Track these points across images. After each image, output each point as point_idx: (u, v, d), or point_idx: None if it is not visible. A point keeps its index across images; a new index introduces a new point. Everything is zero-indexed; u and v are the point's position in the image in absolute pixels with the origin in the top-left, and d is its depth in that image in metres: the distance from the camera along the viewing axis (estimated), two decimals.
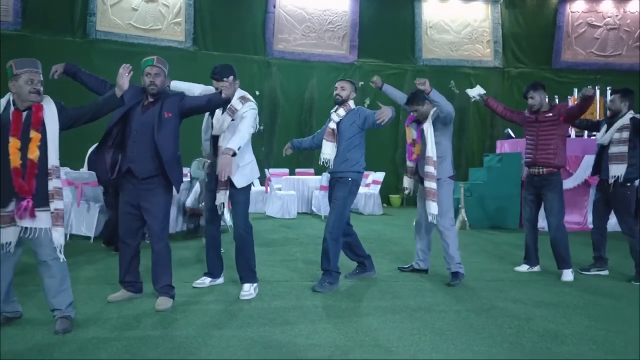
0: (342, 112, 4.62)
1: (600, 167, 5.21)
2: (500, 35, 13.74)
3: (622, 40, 13.81)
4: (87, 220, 6.70)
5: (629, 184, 5.00)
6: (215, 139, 4.21)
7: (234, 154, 3.85)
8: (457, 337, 3.29)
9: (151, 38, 12.02)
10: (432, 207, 4.69)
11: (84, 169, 7.13)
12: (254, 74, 12.75)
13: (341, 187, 4.52)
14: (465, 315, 3.75)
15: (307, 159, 12.54)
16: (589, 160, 8.56)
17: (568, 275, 4.99)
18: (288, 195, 9.91)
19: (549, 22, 13.87)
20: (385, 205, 12.13)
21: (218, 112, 4.17)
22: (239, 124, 4.02)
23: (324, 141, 4.63)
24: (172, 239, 7.04)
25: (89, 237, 6.63)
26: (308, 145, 5.04)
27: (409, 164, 5.12)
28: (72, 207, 6.78)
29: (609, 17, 13.78)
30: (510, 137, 10.22)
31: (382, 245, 6.86)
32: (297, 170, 11.75)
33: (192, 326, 3.40)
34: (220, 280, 4.52)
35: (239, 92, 4.22)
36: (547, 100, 5.12)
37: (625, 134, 4.97)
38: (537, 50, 13.84)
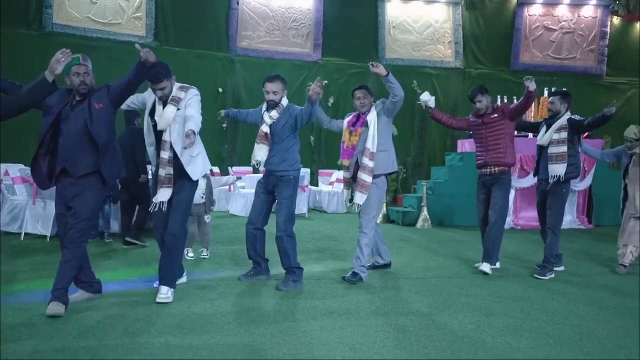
0: (275, 114, 4.51)
1: (538, 169, 5.38)
2: (461, 37, 14.01)
3: (576, 43, 14.30)
4: (42, 219, 6.49)
5: (565, 183, 5.17)
6: (159, 138, 3.99)
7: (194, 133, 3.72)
8: (420, 333, 3.33)
9: (110, 32, 11.73)
10: (359, 198, 4.67)
11: None
12: (217, 71, 12.62)
13: (285, 186, 4.48)
14: (428, 312, 3.81)
15: None
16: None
17: (486, 267, 5.12)
18: (252, 193, 9.82)
19: (508, 24, 14.24)
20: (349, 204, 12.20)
21: (159, 108, 3.93)
22: (187, 110, 3.88)
23: (257, 144, 4.55)
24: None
25: (44, 236, 6.44)
26: (242, 119, 4.94)
27: (345, 174, 4.97)
28: (27, 205, 6.56)
29: (564, 21, 14.24)
30: (470, 136, 10.41)
31: (345, 243, 6.90)
32: (261, 168, 11.67)
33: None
34: (184, 279, 4.45)
35: (177, 84, 4.01)
36: (490, 102, 5.26)
37: (564, 134, 5.15)
38: (496, 52, 14.18)
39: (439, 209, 9.12)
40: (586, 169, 9.07)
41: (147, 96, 4.11)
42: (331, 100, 12.92)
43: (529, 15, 14.22)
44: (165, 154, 3.91)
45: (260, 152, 4.54)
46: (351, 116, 5.00)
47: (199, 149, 4.05)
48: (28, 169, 6.76)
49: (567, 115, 5.21)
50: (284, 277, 4.48)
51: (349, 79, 13.51)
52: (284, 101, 4.58)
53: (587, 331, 3.46)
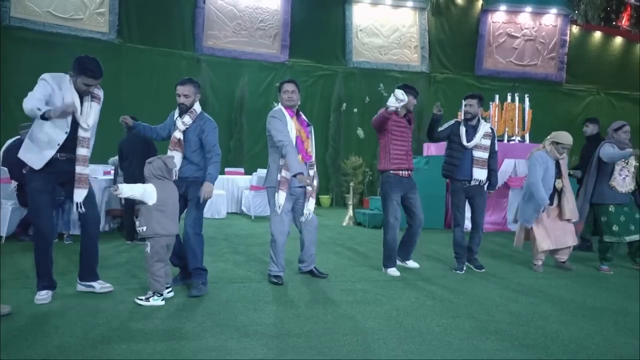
0: (187, 119, 4.30)
1: (460, 169, 5.45)
2: (427, 42, 14.18)
3: (537, 51, 14.67)
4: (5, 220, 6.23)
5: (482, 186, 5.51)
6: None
7: None
8: (388, 337, 3.32)
9: (72, 28, 11.39)
10: (312, 205, 4.81)
11: None
12: (182, 70, 12.39)
13: (196, 187, 4.26)
14: (395, 315, 3.80)
15: (236, 158, 12.38)
16: (507, 164, 9.00)
17: (393, 272, 5.25)
18: (217, 194, 9.70)
19: (472, 30, 14.50)
20: (315, 205, 12.18)
21: (78, 103, 3.85)
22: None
23: (169, 151, 4.31)
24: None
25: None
26: (150, 135, 4.66)
27: (286, 174, 4.66)
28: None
29: (526, 28, 14.60)
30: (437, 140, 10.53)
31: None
32: (226, 169, 11.54)
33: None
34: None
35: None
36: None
37: (488, 142, 5.46)
38: (461, 57, 14.42)
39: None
40: None
41: (57, 87, 3.83)
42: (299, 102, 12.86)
43: (493, 22, 14.51)
44: (87, 152, 3.96)
45: (175, 160, 4.26)
46: (287, 110, 4.73)
47: None
48: None
49: (485, 122, 5.56)
50: (193, 282, 4.26)
51: (317, 80, 13.51)
52: (197, 107, 4.38)
53: (550, 333, 3.51)
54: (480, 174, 5.43)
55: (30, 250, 5.59)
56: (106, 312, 3.64)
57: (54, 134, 3.80)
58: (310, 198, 4.78)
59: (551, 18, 14.72)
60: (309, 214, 4.80)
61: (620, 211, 5.64)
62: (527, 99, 9.88)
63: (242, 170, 11.71)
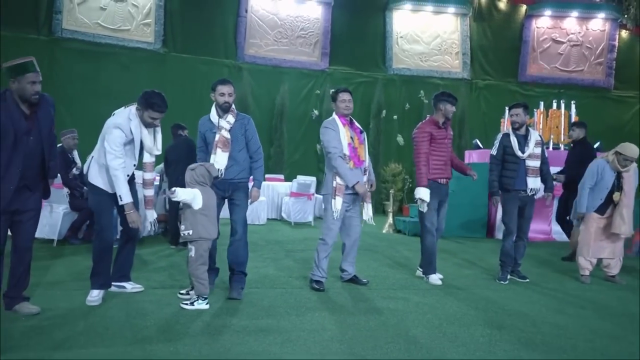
0: (231, 118, 4.39)
1: (516, 180, 5.32)
2: (468, 48, 14.00)
3: (584, 56, 14.28)
4: (50, 223, 6.47)
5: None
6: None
7: None
8: (431, 346, 3.29)
9: (119, 38, 11.77)
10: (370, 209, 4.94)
11: None
12: (227, 78, 12.62)
13: (243, 193, 4.42)
14: (438, 324, 3.76)
15: (277, 164, 12.49)
16: (553, 171, 8.77)
17: (435, 280, 5.18)
18: (258, 201, 9.79)
19: (516, 36, 14.23)
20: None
21: (147, 134, 4.15)
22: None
23: (219, 151, 4.31)
24: (139, 243, 6.91)
25: (51, 240, 6.42)
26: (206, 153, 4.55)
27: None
28: None
29: (572, 33, 14.23)
30: (478, 147, 10.40)
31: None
32: (267, 175, 11.65)
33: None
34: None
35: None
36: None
37: (539, 150, 5.38)
38: (504, 63, 14.16)
39: (447, 220, 9.04)
40: None
41: (129, 124, 4.02)
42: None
43: (537, 27, 14.21)
44: (152, 176, 4.46)
45: (223, 160, 4.32)
46: (340, 118, 4.82)
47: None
48: None
49: (534, 130, 5.54)
50: (234, 285, 4.34)
51: (356, 88, 13.50)
52: (233, 106, 4.50)
53: (600, 347, 3.41)
54: (534, 182, 5.34)
55: (81, 254, 5.81)
56: (152, 314, 3.73)
57: (126, 165, 4.00)
58: (366, 203, 4.89)
59: (599, 23, 14.30)
60: (370, 219, 4.91)
61: None
62: (573, 106, 9.62)
63: (282, 177, 11.81)
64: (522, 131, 5.42)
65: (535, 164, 5.35)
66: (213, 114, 4.46)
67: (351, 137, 4.77)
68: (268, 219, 10.17)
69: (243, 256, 4.41)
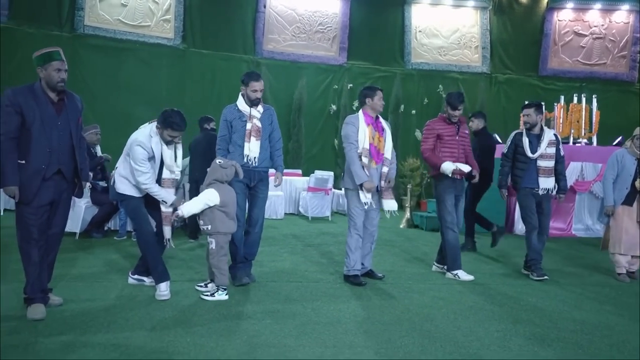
0: (261, 108, 4.62)
1: (523, 179, 5.35)
2: (488, 41, 13.85)
3: (607, 49, 14.02)
4: (72, 217, 6.61)
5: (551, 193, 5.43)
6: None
7: None
8: (445, 340, 3.31)
9: (140, 34, 11.91)
10: (394, 204, 4.89)
11: None
12: (242, 73, 12.67)
13: (266, 184, 4.68)
14: (453, 318, 3.77)
15: (295, 159, 12.54)
16: (574, 167, 8.68)
17: (464, 275, 5.12)
18: (275, 195, 9.87)
19: (536, 29, 14.03)
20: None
21: (168, 152, 4.19)
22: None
23: (254, 139, 4.51)
24: None
25: (74, 233, 6.56)
26: (229, 142, 4.69)
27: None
28: None
29: (595, 26, 13.98)
30: (495, 143, 10.28)
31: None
32: (284, 170, 11.70)
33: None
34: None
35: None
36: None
37: (553, 149, 5.32)
38: (524, 57, 13.98)
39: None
40: None
41: (151, 144, 4.09)
42: (356, 104, 12.91)
43: (559, 20, 13.99)
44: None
45: (256, 148, 4.53)
46: (365, 116, 4.82)
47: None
48: None
49: (549, 129, 5.43)
50: (247, 271, 4.63)
51: (375, 82, 13.44)
52: None
53: (617, 342, 3.39)
54: (546, 182, 5.32)
55: (102, 247, 5.94)
56: (171, 306, 3.81)
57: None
58: (387, 197, 4.86)
59: (622, 15, 14.02)
60: (392, 212, 4.90)
61: None
62: (594, 100, 9.48)
63: (299, 171, 11.85)
64: (536, 130, 5.37)
65: (547, 164, 5.31)
66: (242, 104, 4.60)
67: (372, 135, 4.75)
68: (286, 213, 10.23)
69: (257, 247, 4.73)
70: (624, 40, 14.00)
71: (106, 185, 6.89)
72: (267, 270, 5.16)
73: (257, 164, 4.52)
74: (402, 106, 13.15)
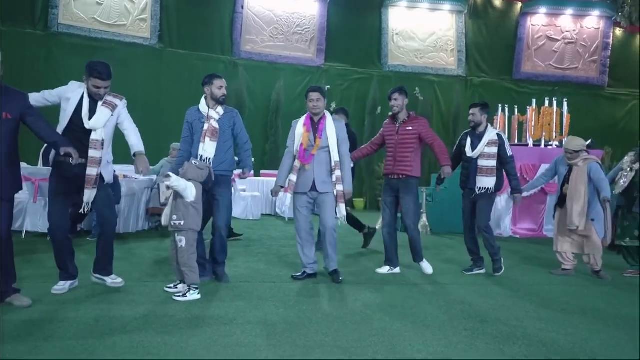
0: (220, 110, 4.59)
1: (468, 179, 5.49)
2: (464, 45, 14.08)
3: (578, 54, 14.36)
4: (44, 217, 6.53)
5: (493, 194, 5.43)
6: (81, 132, 4.03)
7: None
8: (414, 339, 3.36)
9: (115, 34, 11.82)
10: (343, 209, 4.86)
11: (40, 165, 6.99)
12: (220, 74, 12.64)
13: (225, 186, 4.61)
14: (423, 318, 3.84)
15: (272, 160, 12.55)
16: (545, 169, 8.86)
17: (428, 268, 5.38)
18: (252, 196, 9.88)
19: (511, 34, 14.31)
20: (348, 208, 12.21)
21: (86, 106, 4.03)
22: (127, 123, 4.23)
23: (208, 140, 4.49)
24: (134, 237, 6.97)
25: (45, 234, 6.47)
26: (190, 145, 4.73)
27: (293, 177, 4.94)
28: (29, 204, 6.60)
29: (567, 31, 14.31)
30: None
31: (346, 247, 6.93)
32: (262, 171, 11.74)
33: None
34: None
35: None
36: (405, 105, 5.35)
37: (494, 149, 5.35)
38: (499, 61, 14.26)
39: (438, 216, 9.15)
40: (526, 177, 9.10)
41: (68, 93, 4.08)
42: (333, 106, 12.97)
43: (532, 25, 14.29)
44: (96, 154, 4.01)
45: (210, 149, 4.50)
46: (305, 118, 4.92)
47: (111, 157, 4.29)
48: (30, 168, 6.85)
49: (492, 129, 5.48)
50: (222, 271, 4.70)
51: (352, 84, 13.59)
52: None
53: (580, 340, 3.48)
54: (483, 182, 5.35)
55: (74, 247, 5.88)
56: (142, 306, 3.80)
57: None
58: (339, 202, 4.85)
59: (593, 20, 14.39)
60: (342, 217, 4.91)
61: None
62: (565, 103, 9.70)
63: (277, 172, 11.85)
64: (480, 130, 5.45)
65: (486, 163, 5.34)
66: (202, 105, 4.62)
67: (305, 138, 4.79)
68: (262, 214, 10.25)
69: (226, 247, 4.71)
70: (594, 45, 14.36)
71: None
72: (241, 272, 5.17)
73: (211, 165, 4.43)
74: (379, 108, 13.27)
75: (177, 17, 12.51)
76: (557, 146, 9.59)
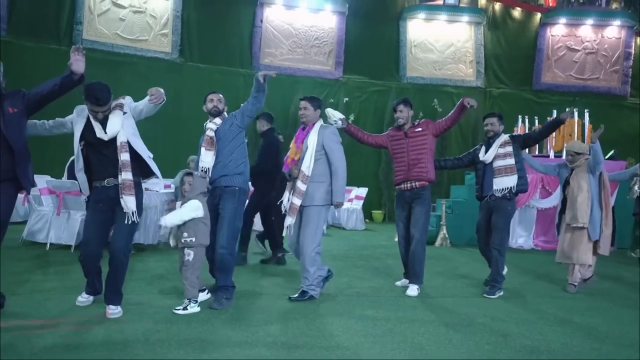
0: (218, 120, 4.50)
1: (482, 186, 5.33)
2: (482, 56, 14.04)
3: (599, 64, 14.21)
4: (67, 229, 6.64)
5: (511, 200, 5.17)
6: (101, 146, 3.84)
7: None
8: (436, 352, 3.34)
9: (137, 48, 12.05)
10: (288, 220, 4.62)
11: (65, 178, 7.12)
12: (239, 87, 12.84)
13: (230, 199, 4.34)
14: (445, 331, 3.80)
15: None
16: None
17: (413, 290, 4.97)
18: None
19: (530, 44, 14.24)
20: (367, 220, 12.20)
21: (96, 125, 3.81)
22: (138, 104, 3.98)
23: (203, 150, 4.43)
24: (152, 249, 7.04)
25: (69, 246, 6.58)
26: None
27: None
28: (52, 216, 6.72)
29: (587, 41, 14.19)
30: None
31: (364, 260, 6.91)
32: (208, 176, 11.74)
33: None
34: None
35: None
36: (411, 116, 5.22)
37: (509, 148, 5.18)
38: (518, 72, 14.17)
39: (458, 228, 9.08)
40: (548, 189, 8.98)
41: (75, 117, 3.93)
42: (352, 118, 13.03)
43: (552, 35, 14.20)
44: (125, 156, 3.81)
45: (207, 158, 4.40)
46: (299, 130, 4.86)
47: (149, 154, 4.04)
48: (55, 181, 6.98)
49: (504, 134, 5.32)
50: (217, 295, 4.29)
51: (370, 96, 13.62)
52: (225, 113, 4.59)
53: (605, 354, 3.42)
54: (504, 182, 5.12)
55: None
56: (143, 320, 3.83)
57: (80, 178, 4.01)
58: (288, 214, 4.66)
59: (614, 30, 14.24)
60: (287, 229, 4.68)
61: None
62: (586, 114, 9.60)
63: None
64: (495, 139, 5.32)
65: (502, 163, 5.16)
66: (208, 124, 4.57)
67: (296, 149, 4.72)
68: None
69: (227, 268, 4.30)
70: (615, 55, 14.21)
71: None
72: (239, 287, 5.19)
73: (212, 175, 4.37)
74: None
75: (197, 31, 12.72)
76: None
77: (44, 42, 11.07)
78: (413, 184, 5.07)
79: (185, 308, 4.03)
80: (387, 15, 13.99)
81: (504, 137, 5.30)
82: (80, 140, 3.86)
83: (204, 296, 4.31)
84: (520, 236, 9.14)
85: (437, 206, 10.16)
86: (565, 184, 5.59)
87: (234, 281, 4.39)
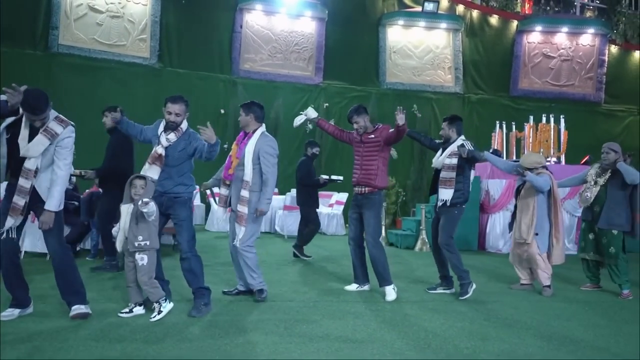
0: (172, 137, 4.28)
1: (436, 189, 5.41)
2: (460, 62, 14.21)
3: (574, 71, 14.50)
4: (42, 238, 6.50)
5: (453, 207, 5.22)
6: (18, 159, 3.71)
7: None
8: (416, 357, 3.35)
9: (115, 54, 11.92)
10: (241, 232, 4.58)
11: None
12: (219, 93, 12.77)
13: (181, 207, 4.31)
14: (424, 336, 3.82)
15: None
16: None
17: (390, 293, 5.00)
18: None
19: (507, 51, 14.45)
20: (347, 225, 12.20)
21: (24, 132, 3.69)
22: (59, 163, 3.76)
23: (147, 165, 4.28)
24: None
25: (44, 254, 6.45)
26: (134, 134, 4.49)
27: (223, 190, 4.79)
28: (27, 224, 6.57)
29: (562, 48, 14.46)
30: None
31: (343, 265, 6.91)
32: None
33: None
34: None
35: (53, 113, 3.83)
36: (368, 122, 5.24)
37: (454, 160, 5.22)
38: (496, 78, 14.37)
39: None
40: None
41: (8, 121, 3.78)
42: (332, 122, 13.02)
43: (528, 42, 14.44)
44: (26, 183, 3.68)
45: (153, 173, 4.24)
46: (241, 132, 4.89)
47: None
48: None
49: (459, 140, 5.31)
50: (195, 301, 4.24)
51: (350, 102, 13.62)
52: (184, 125, 4.38)
53: (582, 357, 3.47)
54: (442, 193, 5.24)
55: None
56: (128, 324, 3.78)
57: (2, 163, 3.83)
58: (239, 224, 4.61)
59: (588, 38, 14.54)
60: (236, 240, 4.63)
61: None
62: (562, 120, 9.77)
63: (276, 190, 11.87)
64: (448, 144, 5.36)
65: (445, 174, 5.23)
66: (161, 126, 4.39)
67: (237, 151, 4.72)
68: (261, 232, 10.21)
69: (197, 271, 4.28)
70: (590, 62, 14.51)
71: (78, 205, 6.82)
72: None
73: (159, 188, 4.25)
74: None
75: (176, 36, 12.63)
76: (555, 162, 9.63)
77: (19, 47, 10.87)
78: (363, 188, 5.12)
79: (160, 312, 3.98)
80: (367, 22, 14.07)
81: (453, 147, 5.27)
82: (7, 132, 3.75)
83: (140, 311, 4.09)
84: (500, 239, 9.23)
85: (416, 211, 10.23)
86: (517, 193, 5.75)
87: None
